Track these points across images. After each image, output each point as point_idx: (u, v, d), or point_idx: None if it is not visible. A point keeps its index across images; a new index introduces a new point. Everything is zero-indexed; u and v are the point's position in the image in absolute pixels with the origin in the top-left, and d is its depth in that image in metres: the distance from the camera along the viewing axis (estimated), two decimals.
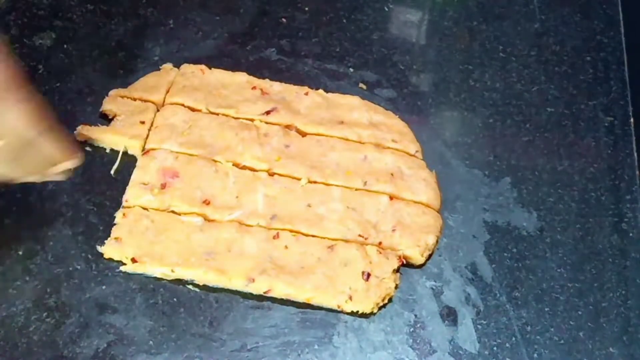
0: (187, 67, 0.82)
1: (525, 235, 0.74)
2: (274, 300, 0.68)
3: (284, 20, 0.90)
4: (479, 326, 0.68)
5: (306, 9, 0.91)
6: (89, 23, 0.87)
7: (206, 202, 0.71)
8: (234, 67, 0.83)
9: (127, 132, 0.75)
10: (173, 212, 0.71)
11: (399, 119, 0.80)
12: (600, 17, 0.93)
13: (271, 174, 0.74)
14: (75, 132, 0.74)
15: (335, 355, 0.66)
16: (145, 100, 0.78)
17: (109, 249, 0.69)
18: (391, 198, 0.73)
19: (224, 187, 0.72)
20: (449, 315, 0.68)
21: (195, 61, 0.83)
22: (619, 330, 0.68)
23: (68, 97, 0.80)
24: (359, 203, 0.72)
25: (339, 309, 0.68)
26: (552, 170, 0.79)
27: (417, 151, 0.78)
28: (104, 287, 0.68)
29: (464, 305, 0.69)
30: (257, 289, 0.67)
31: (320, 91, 0.81)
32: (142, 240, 0.69)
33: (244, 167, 0.74)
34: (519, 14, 0.93)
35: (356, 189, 0.74)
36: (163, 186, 0.72)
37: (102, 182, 0.74)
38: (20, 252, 0.69)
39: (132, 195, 0.71)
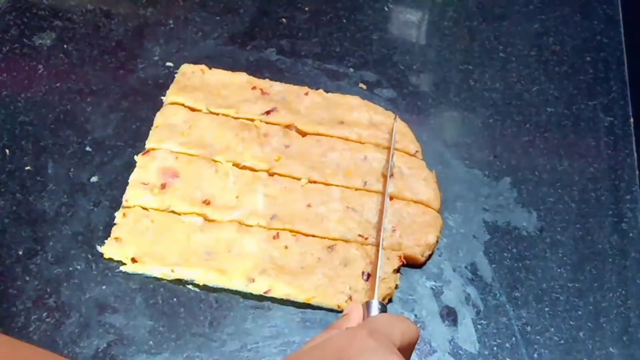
0: (187, 67, 0.82)
1: (525, 235, 0.74)
2: (274, 300, 0.68)
3: (284, 20, 0.90)
4: (479, 326, 0.68)
5: (306, 9, 0.91)
6: (89, 23, 0.87)
7: (206, 202, 0.71)
8: (234, 67, 0.83)
9: None
10: (173, 212, 0.71)
11: (399, 119, 0.80)
12: (600, 17, 0.93)
13: (271, 174, 0.74)
14: None
15: None
16: None
17: (109, 249, 0.69)
18: (391, 198, 0.73)
19: (224, 187, 0.72)
20: (449, 315, 0.68)
21: (195, 61, 0.83)
22: (619, 330, 0.68)
23: (68, 97, 0.80)
24: (359, 203, 0.72)
25: (339, 309, 0.67)
26: (552, 170, 0.79)
27: (417, 151, 0.78)
28: (104, 287, 0.68)
29: (464, 305, 0.69)
30: (257, 289, 0.67)
31: (320, 91, 0.81)
32: (142, 240, 0.69)
33: (244, 167, 0.74)
34: (519, 14, 0.93)
35: (356, 189, 0.74)
36: (163, 186, 0.72)
37: (102, 182, 0.74)
38: (20, 252, 0.69)
39: (132, 195, 0.71)
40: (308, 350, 0.51)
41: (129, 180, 0.73)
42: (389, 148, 0.77)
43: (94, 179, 0.74)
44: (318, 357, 0.49)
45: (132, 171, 0.73)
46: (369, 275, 0.68)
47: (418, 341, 0.52)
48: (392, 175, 0.74)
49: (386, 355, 0.47)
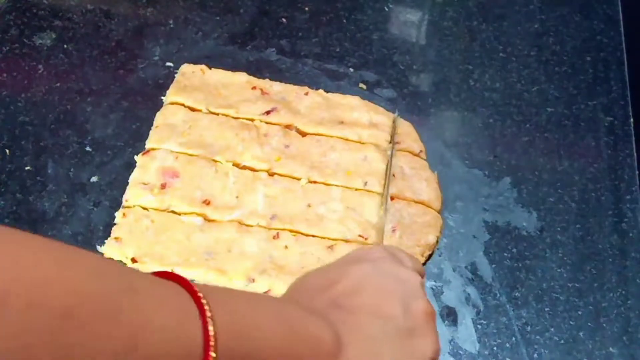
0: (187, 67, 0.82)
1: (525, 235, 0.74)
2: None
3: (284, 20, 0.90)
4: (479, 326, 0.68)
5: (306, 9, 0.91)
6: (89, 23, 0.87)
7: (206, 202, 0.71)
8: (234, 67, 0.83)
9: None
10: (173, 212, 0.71)
11: (401, 119, 0.80)
12: (600, 17, 0.93)
13: (271, 174, 0.74)
14: None
15: None
16: None
17: (109, 249, 0.69)
18: (392, 198, 0.73)
19: (224, 187, 0.72)
20: (449, 315, 0.68)
21: (195, 61, 0.83)
22: (619, 330, 0.68)
23: (68, 97, 0.80)
24: (359, 203, 0.72)
25: None
26: (552, 170, 0.79)
27: (421, 151, 0.77)
28: None
29: (464, 305, 0.69)
30: (257, 289, 0.67)
31: (320, 91, 0.81)
32: (142, 240, 0.69)
33: (244, 167, 0.74)
34: (519, 14, 0.93)
35: (356, 189, 0.73)
36: (163, 186, 0.72)
37: (102, 182, 0.74)
38: None
39: (132, 195, 0.71)
40: (331, 263, 0.56)
41: (129, 180, 0.72)
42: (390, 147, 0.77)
43: (94, 179, 0.74)
44: (339, 263, 0.54)
45: (132, 171, 0.73)
46: None
47: (425, 279, 0.56)
48: (393, 175, 0.74)
49: (401, 264, 0.53)
